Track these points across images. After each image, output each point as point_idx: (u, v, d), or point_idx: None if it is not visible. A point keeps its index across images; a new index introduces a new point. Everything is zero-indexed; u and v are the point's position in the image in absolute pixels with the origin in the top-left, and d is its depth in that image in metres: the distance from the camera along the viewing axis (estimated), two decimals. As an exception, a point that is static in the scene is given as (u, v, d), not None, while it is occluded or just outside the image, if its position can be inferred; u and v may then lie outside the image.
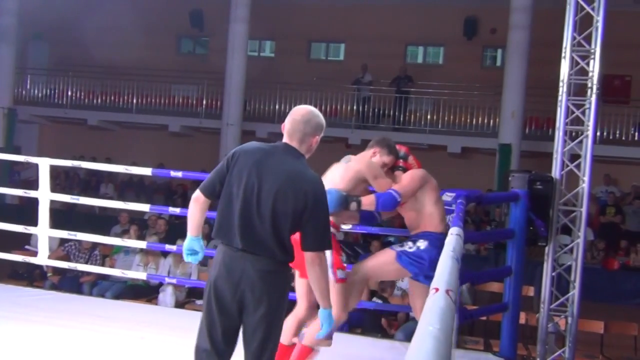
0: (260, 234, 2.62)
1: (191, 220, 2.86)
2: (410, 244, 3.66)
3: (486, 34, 14.60)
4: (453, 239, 2.68)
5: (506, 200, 4.79)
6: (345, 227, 4.34)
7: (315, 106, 11.74)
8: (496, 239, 5.86)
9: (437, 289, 1.65)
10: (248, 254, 2.62)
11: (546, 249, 5.02)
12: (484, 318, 5.85)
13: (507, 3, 11.41)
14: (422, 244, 3.62)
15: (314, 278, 2.71)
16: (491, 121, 12.92)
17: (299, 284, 3.58)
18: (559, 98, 5.06)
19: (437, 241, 3.55)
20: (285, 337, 3.40)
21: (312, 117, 2.77)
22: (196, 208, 2.82)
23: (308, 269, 2.69)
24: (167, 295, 7.20)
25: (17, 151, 11.70)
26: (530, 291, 6.38)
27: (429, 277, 3.43)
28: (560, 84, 5.05)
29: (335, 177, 3.62)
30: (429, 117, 13.50)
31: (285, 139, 2.76)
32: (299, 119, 2.74)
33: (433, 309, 1.51)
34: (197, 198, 2.81)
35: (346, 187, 3.59)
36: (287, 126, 2.76)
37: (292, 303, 4.04)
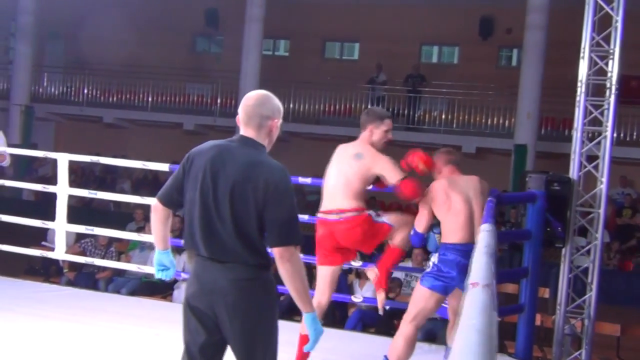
0: (224, 239, 2.35)
1: (154, 233, 2.60)
2: (429, 263, 3.77)
3: (502, 33, 14.50)
4: (485, 235, 2.67)
5: (523, 200, 4.75)
6: None
7: (329, 105, 11.73)
8: (513, 240, 5.82)
9: (475, 284, 1.64)
10: (216, 262, 2.36)
11: (563, 250, 4.97)
12: (499, 319, 5.81)
13: (523, 3, 11.33)
14: (434, 258, 3.71)
15: (286, 277, 2.36)
16: (506, 121, 12.85)
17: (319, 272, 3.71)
18: (577, 99, 5.01)
19: (447, 252, 3.61)
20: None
21: (268, 99, 2.48)
22: (156, 218, 2.57)
23: (279, 267, 2.37)
24: (181, 292, 7.23)
25: (33, 148, 11.77)
26: (546, 293, 6.33)
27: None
28: (579, 84, 5.00)
29: (349, 175, 3.64)
30: (443, 117, 13.46)
31: (241, 131, 2.48)
32: (253, 102, 2.46)
33: (474, 303, 1.50)
34: (155, 207, 2.56)
35: (363, 185, 3.65)
36: (241, 115, 2.47)
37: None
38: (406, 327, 3.62)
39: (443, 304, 3.83)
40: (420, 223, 3.73)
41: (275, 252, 2.36)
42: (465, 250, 3.50)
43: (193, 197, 2.40)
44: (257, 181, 2.33)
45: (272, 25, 13.56)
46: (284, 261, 2.34)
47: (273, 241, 2.36)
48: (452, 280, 3.58)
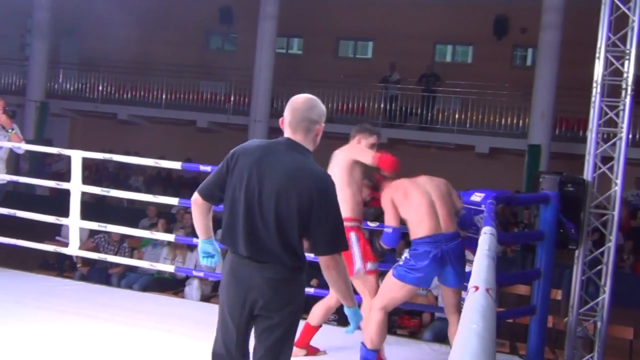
0: (265, 240, 2.40)
1: (196, 225, 2.68)
2: (402, 256, 3.84)
3: (516, 33, 14.40)
4: (487, 237, 2.66)
5: (536, 202, 4.73)
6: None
7: (342, 104, 11.72)
8: (526, 241, 5.78)
9: (476, 288, 1.64)
10: (254, 262, 2.42)
11: (576, 252, 4.94)
12: (510, 320, 5.79)
13: (538, 2, 11.25)
14: (406, 253, 3.79)
15: (331, 282, 2.48)
16: (520, 121, 12.77)
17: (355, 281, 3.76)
18: (592, 99, 4.97)
19: (417, 246, 3.71)
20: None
21: (316, 104, 2.54)
22: (197, 211, 2.62)
23: (324, 273, 2.45)
24: (193, 289, 7.28)
25: (48, 144, 11.87)
26: (558, 295, 6.29)
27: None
28: (594, 84, 4.96)
29: (336, 174, 3.68)
30: (457, 116, 13.40)
31: (287, 134, 2.50)
32: (302, 106, 2.49)
33: (475, 307, 1.50)
34: (196, 200, 2.60)
35: (346, 177, 3.79)
36: (288, 118, 2.49)
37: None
38: (376, 313, 3.75)
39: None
40: (390, 219, 3.79)
41: (321, 260, 2.44)
42: (434, 241, 3.65)
43: (238, 195, 2.44)
44: (303, 188, 2.38)
45: (286, 23, 13.57)
46: (330, 269, 2.44)
47: (320, 250, 2.44)
48: (424, 271, 3.66)
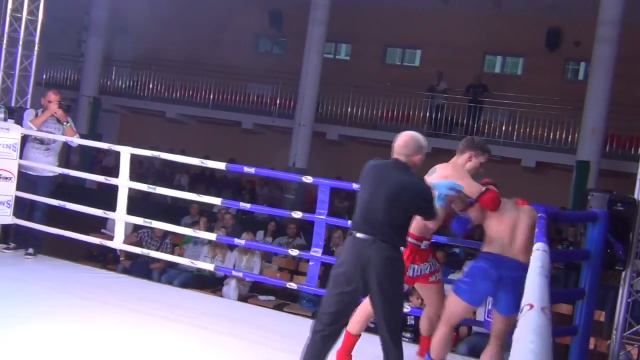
0: (382, 225, 3.26)
1: None
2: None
3: (570, 46, 14.11)
4: (540, 255, 2.60)
5: (584, 220, 4.61)
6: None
7: (388, 112, 11.63)
8: (571, 259, 5.64)
9: (531, 306, 1.61)
10: (370, 240, 3.26)
11: (623, 273, 4.79)
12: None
13: (594, 15, 10.98)
14: (467, 266, 3.86)
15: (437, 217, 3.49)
16: (569, 136, 12.48)
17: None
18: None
19: (479, 260, 3.75)
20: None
21: (411, 142, 3.42)
22: None
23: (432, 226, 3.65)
24: (231, 288, 7.36)
25: (99, 139, 12.20)
26: (602, 316, 6.11)
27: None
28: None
29: None
30: (504, 128, 13.18)
31: (394, 156, 3.43)
32: (400, 144, 3.42)
33: (530, 326, 1.47)
34: None
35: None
36: (394, 148, 3.43)
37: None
38: (441, 327, 3.78)
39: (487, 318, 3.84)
40: (473, 212, 3.83)
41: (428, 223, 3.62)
42: (498, 261, 3.64)
43: (364, 196, 3.38)
44: (407, 191, 3.31)
45: (335, 28, 13.62)
46: (436, 222, 3.63)
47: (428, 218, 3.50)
48: (477, 290, 3.67)
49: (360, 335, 3.86)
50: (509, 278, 3.56)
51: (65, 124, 5.88)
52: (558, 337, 5.22)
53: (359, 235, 3.31)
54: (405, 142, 3.41)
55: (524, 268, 3.57)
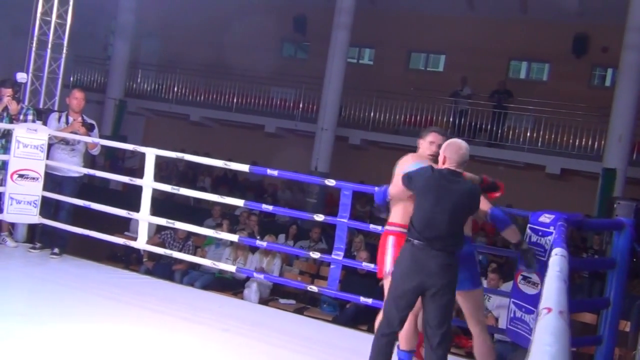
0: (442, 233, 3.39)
1: None
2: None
3: (596, 52, 13.94)
4: (558, 259, 2.58)
5: (610, 228, 4.55)
6: None
7: (410, 116, 11.56)
8: (596, 268, 5.56)
9: (549, 309, 1.60)
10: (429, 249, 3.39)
11: (649, 283, 4.71)
12: (574, 349, 5.57)
13: (621, 21, 10.83)
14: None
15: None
16: (595, 143, 12.31)
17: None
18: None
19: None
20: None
21: (467, 154, 3.52)
22: None
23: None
24: (251, 291, 7.39)
25: (123, 140, 12.35)
26: (627, 326, 6.01)
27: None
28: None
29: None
30: (528, 134, 13.05)
31: (449, 165, 3.51)
32: (464, 154, 3.52)
33: (547, 329, 1.46)
34: None
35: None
36: (449, 156, 3.50)
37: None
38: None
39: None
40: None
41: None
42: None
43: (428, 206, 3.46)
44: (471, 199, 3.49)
45: (359, 33, 13.62)
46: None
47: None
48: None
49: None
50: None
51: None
52: (582, 346, 5.16)
53: (417, 242, 3.41)
54: (464, 154, 3.50)
55: (468, 242, 3.69)
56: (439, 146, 3.73)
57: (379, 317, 3.89)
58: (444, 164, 3.52)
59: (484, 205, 3.72)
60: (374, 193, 4.00)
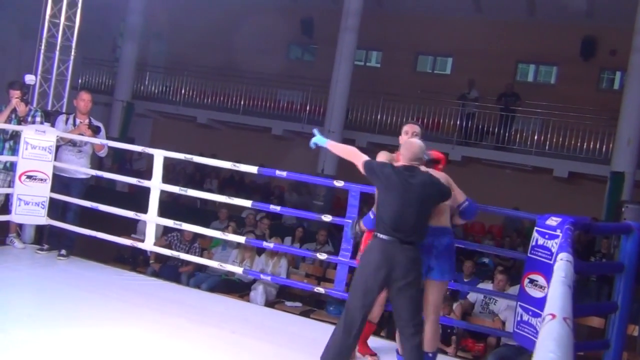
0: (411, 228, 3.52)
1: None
2: None
3: (605, 55, 13.89)
4: (563, 264, 2.56)
5: (618, 232, 4.52)
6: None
7: (418, 119, 11.61)
8: (604, 272, 5.52)
9: (553, 315, 1.59)
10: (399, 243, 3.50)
11: (658, 287, 4.68)
12: (581, 353, 5.54)
13: (630, 24, 10.78)
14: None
15: None
16: (603, 147, 12.25)
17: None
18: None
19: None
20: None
21: (421, 151, 3.71)
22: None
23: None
24: (258, 293, 7.39)
25: (131, 142, 12.40)
26: (636, 330, 5.97)
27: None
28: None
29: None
30: (535, 137, 13.00)
31: (408, 163, 3.67)
32: (417, 152, 3.69)
33: (551, 335, 1.45)
34: None
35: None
36: (408, 156, 3.67)
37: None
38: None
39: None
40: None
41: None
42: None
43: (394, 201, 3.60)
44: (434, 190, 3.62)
45: (366, 36, 13.62)
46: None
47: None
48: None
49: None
50: (440, 245, 3.71)
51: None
52: (589, 350, 5.13)
53: (387, 237, 3.49)
54: (415, 152, 3.67)
55: (449, 234, 3.78)
56: (414, 134, 4.06)
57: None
58: (398, 162, 3.73)
59: (460, 196, 3.88)
60: (364, 219, 4.08)
